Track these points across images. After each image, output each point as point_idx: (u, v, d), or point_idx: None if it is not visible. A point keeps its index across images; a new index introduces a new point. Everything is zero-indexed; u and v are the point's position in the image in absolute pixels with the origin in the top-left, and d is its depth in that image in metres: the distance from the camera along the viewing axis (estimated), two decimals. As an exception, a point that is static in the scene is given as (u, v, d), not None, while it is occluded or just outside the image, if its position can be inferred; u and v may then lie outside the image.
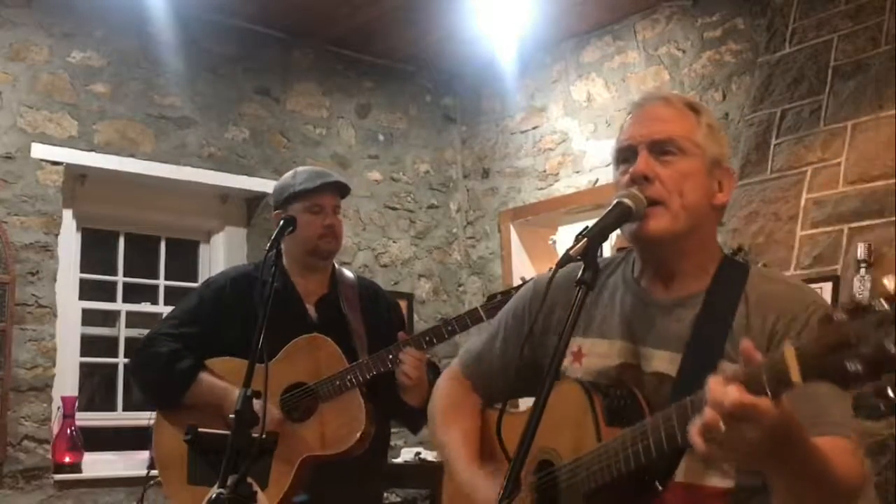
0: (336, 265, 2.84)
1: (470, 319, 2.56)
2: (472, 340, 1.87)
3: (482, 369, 1.78)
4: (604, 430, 1.39)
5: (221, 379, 2.62)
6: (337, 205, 2.75)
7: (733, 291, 1.45)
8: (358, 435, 2.51)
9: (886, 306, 0.94)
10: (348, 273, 2.86)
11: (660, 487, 1.34)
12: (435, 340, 2.57)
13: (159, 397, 2.71)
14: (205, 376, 2.63)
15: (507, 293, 2.60)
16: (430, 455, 4.68)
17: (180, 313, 2.78)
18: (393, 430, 5.29)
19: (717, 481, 1.38)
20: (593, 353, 1.55)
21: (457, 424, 1.74)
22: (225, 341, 2.65)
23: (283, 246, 2.75)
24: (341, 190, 2.78)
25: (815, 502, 1.25)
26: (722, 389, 1.07)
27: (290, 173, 2.81)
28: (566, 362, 1.56)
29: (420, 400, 2.65)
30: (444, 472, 1.76)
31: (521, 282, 2.63)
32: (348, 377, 2.55)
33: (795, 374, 1.01)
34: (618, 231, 1.50)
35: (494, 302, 2.59)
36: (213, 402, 2.58)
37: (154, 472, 2.72)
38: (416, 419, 2.76)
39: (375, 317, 2.77)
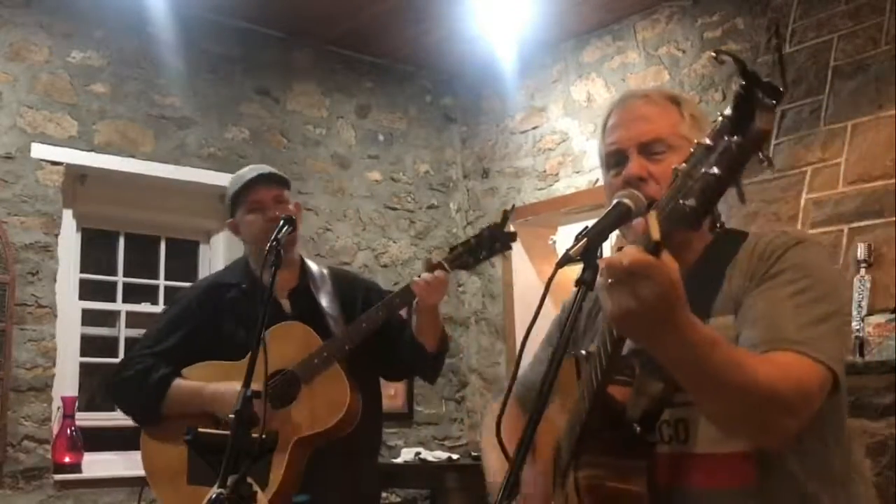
0: (304, 259, 2.81)
1: (429, 271, 2.59)
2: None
3: (527, 386, 1.78)
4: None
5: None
6: (278, 195, 2.67)
7: (724, 258, 1.46)
8: (345, 408, 2.50)
9: (707, 140, 0.98)
10: (317, 265, 2.84)
11: (637, 429, 1.33)
12: (402, 301, 2.60)
13: (141, 415, 2.69)
14: (177, 382, 2.62)
15: (467, 243, 2.61)
16: (429, 455, 4.68)
17: (152, 333, 2.77)
18: (392, 430, 5.30)
19: (735, 445, 1.36)
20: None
21: (495, 448, 1.76)
22: (198, 350, 2.65)
23: (245, 249, 2.80)
24: (275, 180, 2.70)
25: (719, 397, 1.22)
26: (621, 253, 1.12)
27: (232, 178, 2.80)
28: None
29: (433, 342, 2.66)
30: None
31: (505, 211, 2.60)
32: (324, 353, 2.55)
33: (656, 233, 1.06)
34: (617, 231, 1.50)
35: (456, 252, 2.62)
36: (191, 403, 2.58)
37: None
38: (429, 363, 2.73)
39: (352, 303, 2.76)
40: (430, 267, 2.60)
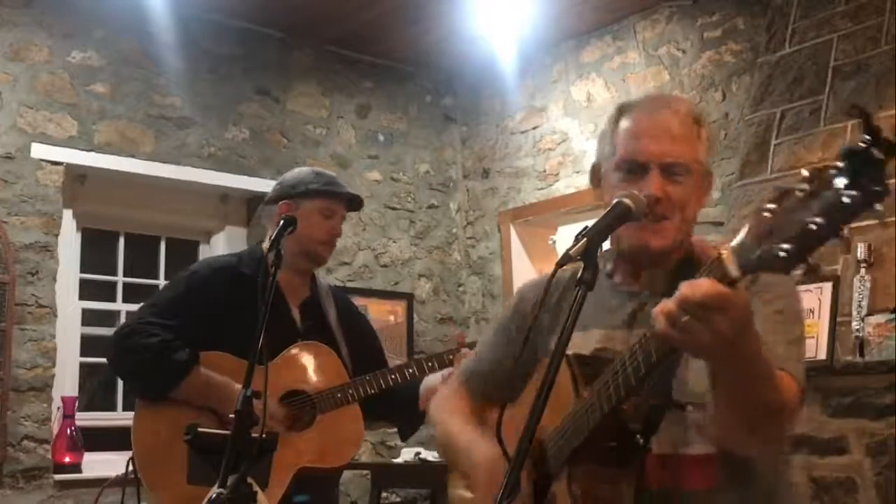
0: (314, 271, 2.81)
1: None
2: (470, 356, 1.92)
3: (480, 374, 1.81)
4: (583, 390, 1.41)
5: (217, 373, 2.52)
6: (344, 217, 2.76)
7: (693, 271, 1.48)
8: (356, 452, 2.54)
9: (806, 186, 0.96)
10: (324, 281, 2.86)
11: (641, 441, 1.35)
12: (437, 366, 2.64)
13: (148, 388, 2.56)
14: (202, 370, 2.50)
15: None
16: (430, 455, 4.68)
17: (162, 302, 2.61)
18: (392, 430, 5.28)
19: (698, 448, 1.42)
20: (571, 345, 1.56)
21: (456, 413, 1.79)
22: (210, 333, 2.53)
23: (266, 242, 2.75)
24: (354, 207, 2.80)
25: (754, 405, 1.28)
26: (691, 285, 1.13)
27: (309, 170, 2.79)
28: (545, 360, 1.56)
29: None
30: (448, 457, 1.77)
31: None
32: (350, 391, 2.55)
33: (734, 270, 1.06)
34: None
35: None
36: (212, 396, 2.48)
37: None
38: (416, 420, 2.77)
39: (351, 328, 2.79)
40: (468, 344, 2.66)
